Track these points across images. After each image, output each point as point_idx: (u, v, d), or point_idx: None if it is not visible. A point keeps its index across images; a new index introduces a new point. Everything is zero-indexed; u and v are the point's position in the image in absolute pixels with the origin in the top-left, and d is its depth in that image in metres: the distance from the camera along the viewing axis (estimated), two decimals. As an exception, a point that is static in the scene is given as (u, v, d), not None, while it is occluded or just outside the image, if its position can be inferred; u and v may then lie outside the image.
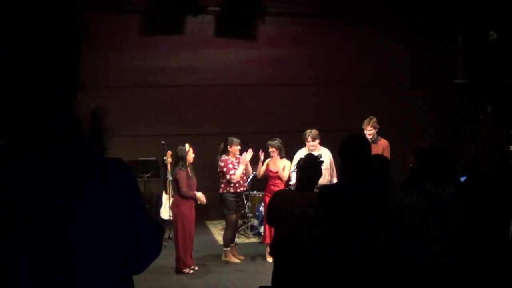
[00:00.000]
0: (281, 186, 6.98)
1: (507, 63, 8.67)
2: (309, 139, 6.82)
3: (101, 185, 1.25)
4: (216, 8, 8.95)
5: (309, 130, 6.87)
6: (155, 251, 1.42)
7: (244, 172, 6.81)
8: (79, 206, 1.21)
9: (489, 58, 9.07)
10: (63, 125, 1.26)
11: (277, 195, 4.43)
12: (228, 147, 6.77)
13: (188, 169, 6.42)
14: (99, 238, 1.24)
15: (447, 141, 7.89)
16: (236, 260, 6.87)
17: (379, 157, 4.51)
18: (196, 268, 6.57)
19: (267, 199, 6.91)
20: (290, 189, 4.92)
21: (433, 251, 3.17)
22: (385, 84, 9.68)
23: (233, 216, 6.78)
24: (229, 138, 6.84)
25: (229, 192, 6.73)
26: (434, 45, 9.61)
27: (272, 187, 6.93)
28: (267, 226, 6.91)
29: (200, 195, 6.51)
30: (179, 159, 6.39)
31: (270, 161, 6.97)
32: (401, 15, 9.33)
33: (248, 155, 6.75)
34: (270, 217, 4.28)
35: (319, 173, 4.07)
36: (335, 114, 9.30)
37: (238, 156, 6.88)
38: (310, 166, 4.02)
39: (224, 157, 6.74)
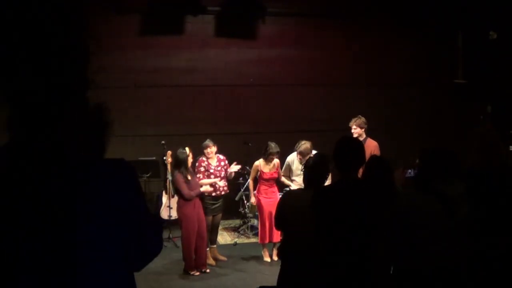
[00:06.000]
0: (274, 187, 6.97)
1: (507, 63, 8.66)
2: (298, 154, 6.72)
3: (104, 185, 1.26)
4: (216, 8, 8.94)
5: (300, 143, 6.70)
6: (157, 249, 1.43)
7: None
8: (82, 206, 1.21)
9: (489, 58, 9.06)
10: (68, 125, 1.26)
11: (287, 196, 4.45)
12: (203, 149, 6.74)
13: (188, 172, 6.39)
14: (102, 238, 1.24)
15: (447, 141, 7.89)
16: (211, 262, 6.79)
17: (377, 158, 4.51)
18: (208, 270, 6.50)
19: (260, 200, 6.91)
20: (301, 188, 4.92)
21: (443, 250, 3.18)
22: (385, 84, 9.67)
23: (207, 219, 6.68)
24: (208, 140, 6.79)
25: (204, 194, 6.66)
26: (434, 45, 9.61)
27: (265, 187, 6.92)
28: (262, 227, 6.91)
29: (204, 188, 6.45)
30: (180, 162, 6.35)
31: (263, 163, 6.91)
32: (401, 15, 9.32)
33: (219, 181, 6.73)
34: (280, 218, 4.26)
35: (327, 172, 4.09)
36: (335, 114, 9.29)
37: (221, 158, 6.84)
38: (318, 165, 4.04)
39: (201, 157, 6.75)
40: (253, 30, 9.24)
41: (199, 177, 6.63)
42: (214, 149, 6.75)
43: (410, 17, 9.31)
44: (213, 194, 6.76)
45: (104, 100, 1.35)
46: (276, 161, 6.96)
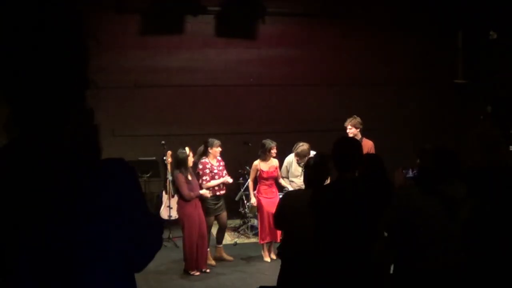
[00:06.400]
0: (274, 186, 6.98)
1: (507, 63, 8.66)
2: (295, 155, 6.76)
3: (104, 185, 1.26)
4: (216, 8, 8.94)
5: (297, 145, 6.74)
6: (156, 248, 1.43)
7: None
8: (82, 206, 1.21)
9: (489, 58, 9.06)
10: (68, 126, 1.26)
11: (287, 196, 4.44)
12: (209, 148, 6.70)
13: (188, 172, 6.39)
14: (102, 238, 1.24)
15: (447, 141, 7.89)
16: (211, 262, 6.77)
17: (373, 156, 4.51)
18: (208, 270, 6.50)
19: (260, 200, 6.92)
20: (301, 189, 4.91)
21: (442, 251, 3.18)
22: (385, 84, 9.67)
23: (210, 219, 6.69)
24: (209, 139, 6.76)
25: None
26: (434, 45, 9.61)
27: (265, 187, 6.92)
28: (262, 226, 6.91)
29: (204, 191, 6.48)
30: (180, 162, 6.34)
31: (261, 162, 6.92)
32: (401, 14, 9.32)
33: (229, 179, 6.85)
34: (279, 219, 4.26)
35: (327, 172, 4.08)
36: (335, 114, 9.27)
37: (219, 158, 6.84)
38: (319, 165, 4.03)
39: (203, 159, 6.69)
40: (253, 30, 9.25)
41: (206, 179, 6.60)
42: (219, 149, 6.78)
43: (410, 17, 9.31)
44: (218, 193, 6.75)
45: (98, 100, 1.34)
46: (275, 161, 6.96)
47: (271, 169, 6.91)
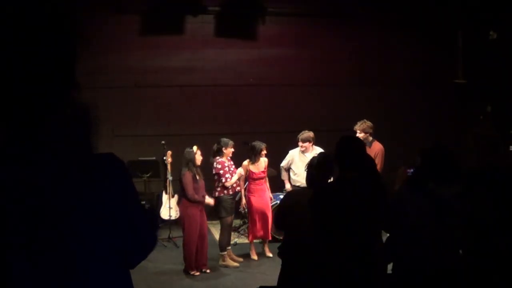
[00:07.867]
0: (263, 185, 7.02)
1: (507, 63, 8.66)
2: (299, 141, 6.90)
3: (96, 181, 1.26)
4: (216, 8, 8.94)
5: (302, 132, 6.98)
6: (151, 243, 1.43)
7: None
8: (75, 203, 1.22)
9: (489, 58, 9.06)
10: (58, 125, 1.26)
11: (289, 195, 4.44)
12: (223, 149, 6.71)
13: (196, 172, 6.37)
14: (96, 234, 1.25)
15: (447, 141, 7.89)
16: (235, 264, 6.78)
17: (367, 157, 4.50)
18: (208, 271, 6.50)
19: (250, 198, 6.95)
20: (303, 188, 4.92)
21: (437, 251, 3.18)
22: (385, 84, 9.67)
23: (229, 219, 6.75)
24: (223, 139, 6.77)
25: (227, 194, 6.69)
26: (434, 45, 9.60)
27: (254, 186, 6.96)
28: (252, 224, 6.96)
29: (209, 200, 6.48)
30: (187, 161, 6.32)
31: (249, 163, 6.94)
32: (401, 15, 9.32)
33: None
34: (280, 219, 4.26)
35: (330, 172, 4.06)
36: (335, 114, 9.29)
37: (229, 158, 6.87)
38: (322, 164, 4.02)
39: (220, 159, 6.69)
40: (253, 30, 9.25)
41: (228, 177, 6.63)
42: (233, 150, 6.85)
43: (410, 17, 9.31)
44: (236, 190, 6.85)
45: (98, 100, 1.34)
46: (264, 160, 7.00)
47: (261, 169, 6.96)
